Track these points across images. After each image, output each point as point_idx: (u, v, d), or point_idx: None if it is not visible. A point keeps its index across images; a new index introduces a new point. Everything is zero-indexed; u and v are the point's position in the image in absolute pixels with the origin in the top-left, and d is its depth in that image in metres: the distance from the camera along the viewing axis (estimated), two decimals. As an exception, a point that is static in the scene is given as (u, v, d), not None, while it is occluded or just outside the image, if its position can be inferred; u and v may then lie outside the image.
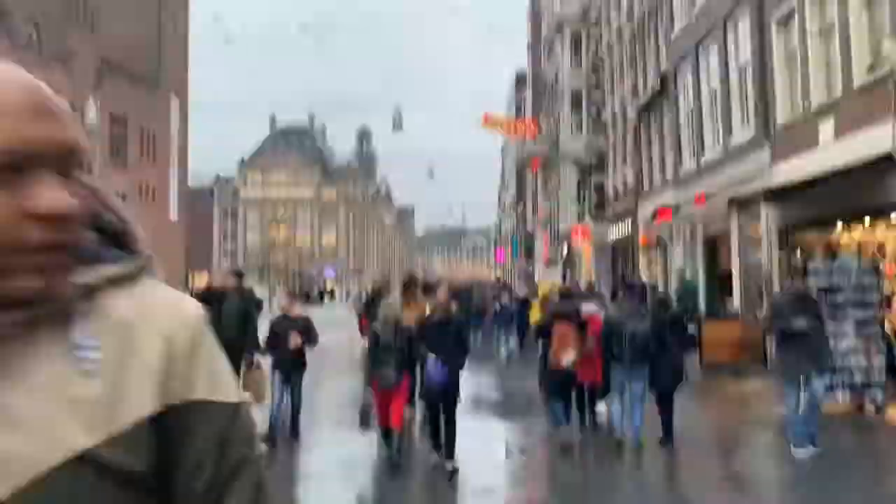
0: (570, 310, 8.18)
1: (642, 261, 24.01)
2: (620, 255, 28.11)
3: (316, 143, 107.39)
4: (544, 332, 8.40)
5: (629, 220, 25.54)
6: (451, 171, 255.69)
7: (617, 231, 27.82)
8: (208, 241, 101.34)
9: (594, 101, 32.67)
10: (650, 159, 23.30)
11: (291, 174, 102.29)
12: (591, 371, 8.16)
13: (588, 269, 33.38)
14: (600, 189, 32.73)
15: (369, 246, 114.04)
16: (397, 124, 32.57)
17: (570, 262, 38.95)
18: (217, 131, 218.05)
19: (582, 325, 8.07)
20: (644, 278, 21.98)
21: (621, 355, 7.56)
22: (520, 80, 69.93)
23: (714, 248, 18.10)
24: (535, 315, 11.33)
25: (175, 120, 56.04)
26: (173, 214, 55.25)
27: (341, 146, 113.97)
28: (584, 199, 36.53)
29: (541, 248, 53.82)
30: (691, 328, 14.94)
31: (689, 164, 19.20)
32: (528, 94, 64.06)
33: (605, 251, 31.99)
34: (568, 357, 7.68)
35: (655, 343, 7.61)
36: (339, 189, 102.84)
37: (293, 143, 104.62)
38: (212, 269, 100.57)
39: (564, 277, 37.25)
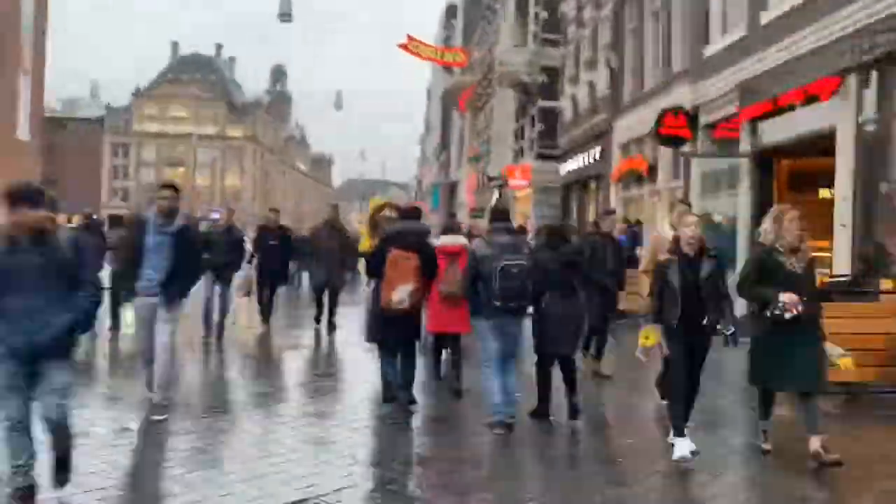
0: (410, 232, 5.95)
1: (615, 200, 16.46)
2: (577, 197, 20.56)
3: (223, 75, 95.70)
4: (374, 264, 5.98)
5: (595, 150, 17.98)
6: (374, 121, 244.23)
7: (574, 165, 20.22)
8: (96, 175, 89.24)
9: (545, 1, 24.71)
10: (640, 52, 15.61)
11: (192, 108, 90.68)
12: (456, 317, 6.23)
13: (525, 217, 25.82)
14: (548, 116, 25.04)
15: (279, 192, 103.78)
16: (285, 15, 24.02)
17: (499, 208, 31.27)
18: (111, 56, 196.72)
19: (429, 256, 5.90)
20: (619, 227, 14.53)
21: (488, 303, 5.38)
22: (450, 11, 61.31)
23: (769, 171, 10.60)
24: (364, 244, 7.83)
25: (27, 16, 44.89)
26: (23, 133, 44.62)
27: (252, 86, 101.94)
28: (522, 134, 28.79)
29: (464, 196, 46.07)
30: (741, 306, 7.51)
31: (724, 37, 11.55)
32: (459, 23, 55.62)
33: (551, 194, 24.45)
34: (400, 293, 5.62)
35: (542, 285, 5.51)
36: (247, 127, 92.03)
37: (196, 74, 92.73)
38: (100, 206, 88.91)
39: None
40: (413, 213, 6.49)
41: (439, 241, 6.61)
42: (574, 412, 5.66)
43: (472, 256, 5.66)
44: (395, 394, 5.99)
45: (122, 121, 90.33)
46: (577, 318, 5.74)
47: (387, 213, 6.89)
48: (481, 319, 5.56)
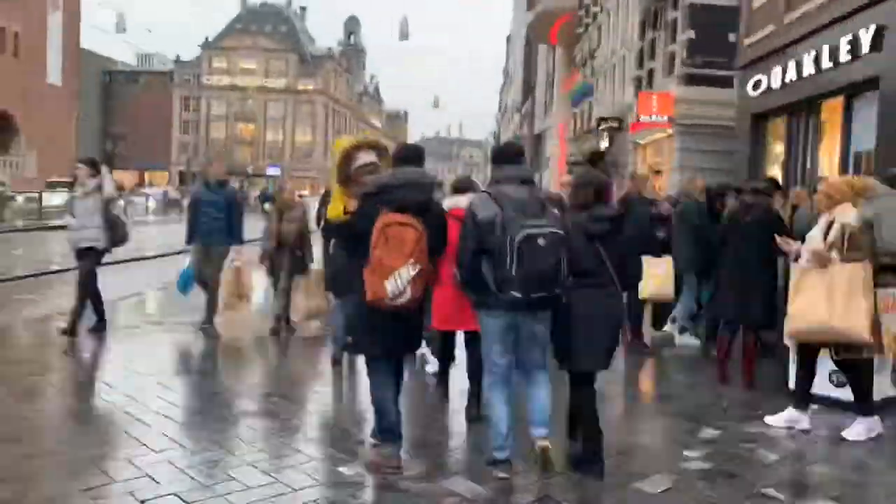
0: (408, 184, 3.66)
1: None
2: (795, 134, 11.70)
3: (294, 25, 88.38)
4: (354, 235, 3.71)
5: (855, 35, 9.24)
6: (451, 76, 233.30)
7: (784, 79, 11.38)
8: (167, 131, 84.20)
9: None
10: None
11: (262, 60, 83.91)
12: (464, 313, 4.14)
13: (654, 176, 17.40)
14: (704, 14, 16.22)
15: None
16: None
17: (615, 162, 22.58)
18: (181, 8, 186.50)
19: (438, 222, 3.76)
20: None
21: (499, 293, 3.51)
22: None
23: None
24: (334, 208, 4.06)
25: (55, -58, 38.04)
26: (53, 76, 38.35)
27: (325, 39, 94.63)
28: (653, 53, 19.92)
29: (555, 145, 37.28)
30: None
31: None
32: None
33: (714, 136, 15.77)
34: (397, 280, 3.46)
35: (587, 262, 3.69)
36: (318, 80, 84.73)
37: (266, 25, 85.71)
38: (170, 163, 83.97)
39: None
40: (412, 154, 3.86)
41: (448, 202, 4.51)
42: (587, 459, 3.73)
43: (472, 219, 3.55)
44: (399, 429, 3.79)
45: (191, 74, 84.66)
46: (612, 319, 3.80)
47: (363, 157, 3.92)
48: (489, 315, 3.61)
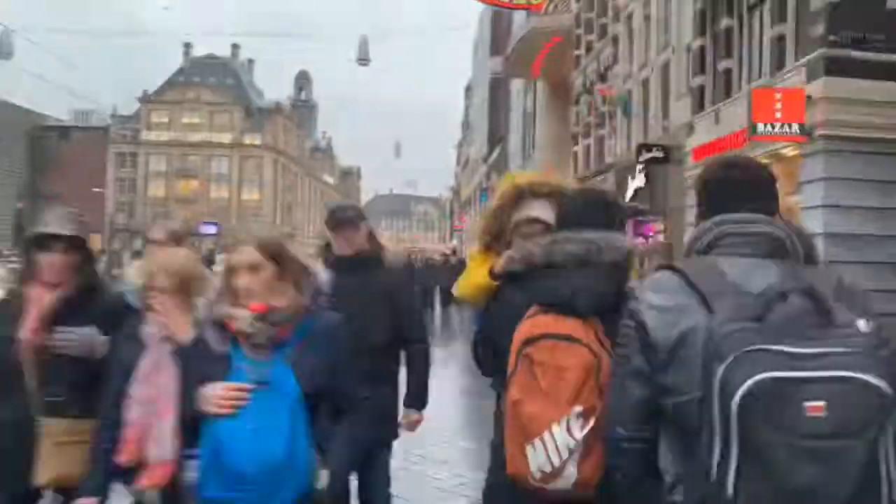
0: (573, 265, 1.71)
1: None
2: None
3: (240, 79, 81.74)
4: (475, 345, 2.10)
5: None
6: (407, 136, 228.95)
7: None
8: (100, 191, 75.64)
9: None
10: None
11: (206, 114, 76.69)
12: None
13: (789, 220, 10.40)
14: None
15: (302, 205, 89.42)
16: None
17: (661, 208, 15.89)
18: (120, 62, 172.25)
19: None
20: None
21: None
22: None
23: None
24: (465, 284, 2.01)
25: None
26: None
27: (275, 94, 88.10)
28: (726, 50, 13.63)
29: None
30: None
31: None
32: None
33: (877, 155, 9.29)
34: (546, 447, 1.54)
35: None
36: (266, 135, 77.78)
37: (210, 78, 78.85)
38: (103, 224, 75.15)
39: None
40: (596, 208, 1.85)
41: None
42: None
43: (638, 332, 1.44)
44: None
45: (128, 129, 76.83)
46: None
47: (533, 210, 2.04)
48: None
